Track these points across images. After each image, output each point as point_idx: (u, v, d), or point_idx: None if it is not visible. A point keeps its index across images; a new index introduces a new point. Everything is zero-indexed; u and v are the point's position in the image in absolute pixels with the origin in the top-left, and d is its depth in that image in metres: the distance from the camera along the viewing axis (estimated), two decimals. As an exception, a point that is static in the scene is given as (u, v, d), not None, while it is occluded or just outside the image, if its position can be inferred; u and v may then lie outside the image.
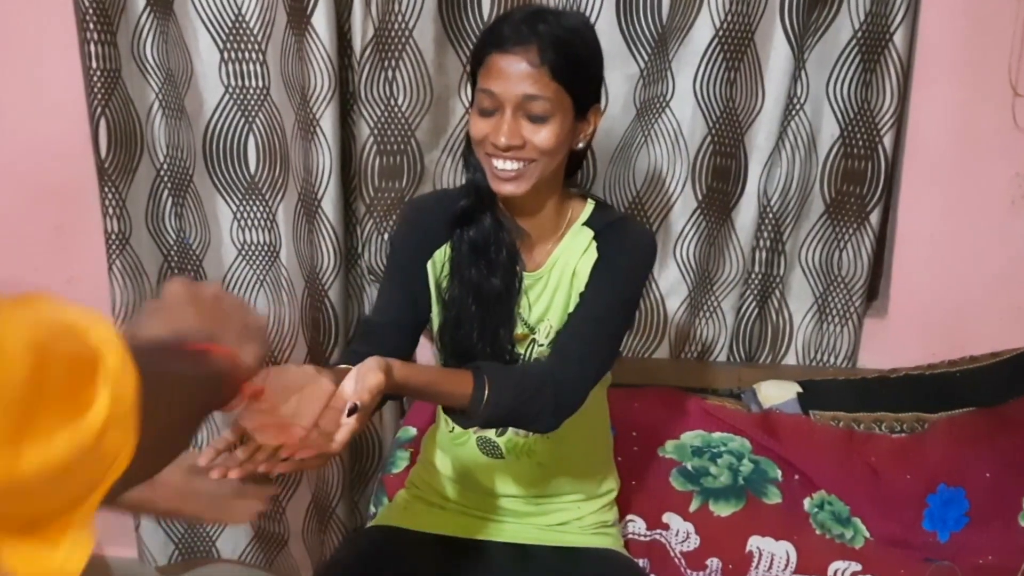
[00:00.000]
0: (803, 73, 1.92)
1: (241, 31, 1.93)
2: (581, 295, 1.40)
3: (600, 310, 1.38)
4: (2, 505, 0.51)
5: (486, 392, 1.23)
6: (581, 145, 1.39)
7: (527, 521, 1.55)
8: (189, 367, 0.77)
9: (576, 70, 1.31)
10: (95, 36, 1.93)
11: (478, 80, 1.34)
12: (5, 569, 0.52)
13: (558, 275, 1.43)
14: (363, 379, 1.09)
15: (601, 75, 1.40)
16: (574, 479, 1.55)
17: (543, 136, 1.30)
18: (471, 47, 1.88)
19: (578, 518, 1.56)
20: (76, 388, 0.54)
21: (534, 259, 1.45)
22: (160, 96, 2.03)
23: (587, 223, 1.44)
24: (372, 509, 1.77)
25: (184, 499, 1.07)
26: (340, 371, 1.15)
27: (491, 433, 1.50)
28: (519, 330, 1.44)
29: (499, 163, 1.32)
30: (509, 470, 1.53)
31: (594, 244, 1.41)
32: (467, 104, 1.96)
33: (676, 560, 1.69)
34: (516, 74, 1.28)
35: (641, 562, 1.68)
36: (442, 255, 1.45)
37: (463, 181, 1.47)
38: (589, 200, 1.48)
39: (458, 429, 1.52)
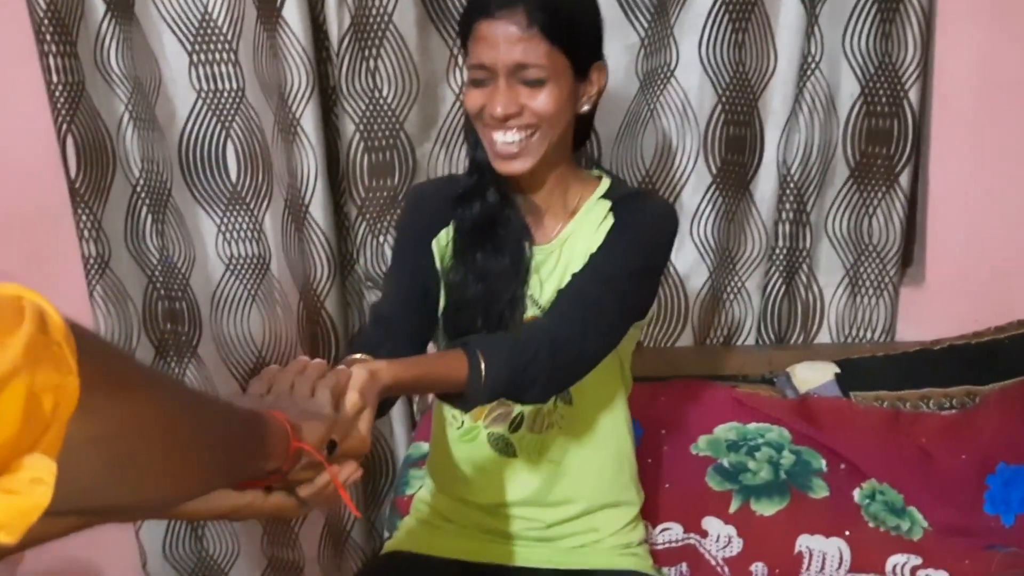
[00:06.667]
0: (816, 28, 1.77)
1: (209, 31, 1.81)
2: (591, 256, 1.27)
3: (610, 272, 1.25)
4: None
5: (483, 368, 1.11)
6: (586, 108, 1.29)
7: (543, 545, 1.41)
8: (228, 407, 0.79)
9: (570, 28, 1.21)
10: (54, 48, 1.80)
11: (468, 51, 1.25)
12: None
13: (571, 248, 1.32)
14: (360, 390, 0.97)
15: (600, 30, 1.30)
16: (589, 482, 1.40)
17: (541, 101, 1.21)
18: (456, 27, 1.75)
19: (596, 541, 1.41)
20: None
21: (545, 233, 1.35)
22: (129, 107, 1.90)
23: (605, 196, 1.34)
24: (386, 534, 1.65)
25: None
26: (346, 363, 1.04)
27: (503, 429, 1.38)
28: (530, 312, 1.32)
29: (499, 135, 1.23)
30: (522, 470, 1.39)
31: (611, 214, 1.31)
32: (456, 90, 1.84)
33: (719, 568, 1.55)
34: (505, 40, 1.19)
35: (677, 571, 1.55)
36: (447, 235, 1.36)
37: (461, 171, 1.36)
38: (606, 176, 1.38)
39: (468, 424, 1.40)
